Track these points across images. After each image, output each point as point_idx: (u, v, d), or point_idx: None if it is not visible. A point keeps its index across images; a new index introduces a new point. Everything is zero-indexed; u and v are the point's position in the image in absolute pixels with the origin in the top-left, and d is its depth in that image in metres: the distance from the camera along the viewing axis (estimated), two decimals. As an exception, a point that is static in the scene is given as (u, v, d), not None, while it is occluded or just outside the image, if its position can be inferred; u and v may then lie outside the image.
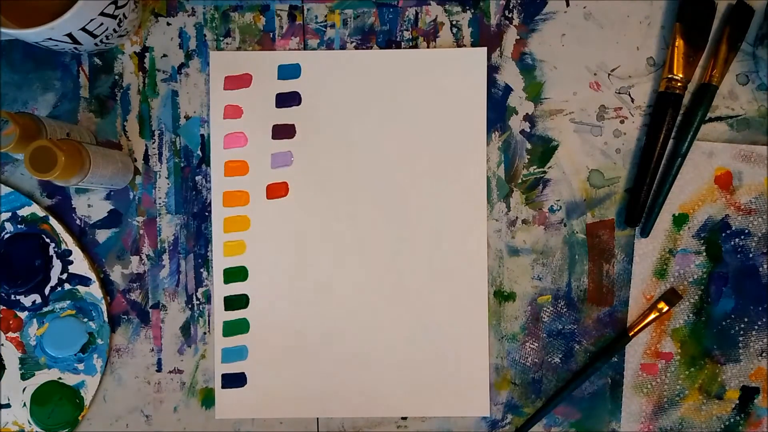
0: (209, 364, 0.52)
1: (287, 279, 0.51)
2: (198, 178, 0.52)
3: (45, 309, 0.51)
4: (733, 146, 0.51)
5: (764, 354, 0.51)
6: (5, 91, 0.52)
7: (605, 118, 0.52)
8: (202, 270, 0.52)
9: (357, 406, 0.51)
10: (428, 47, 0.52)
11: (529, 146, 0.52)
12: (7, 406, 0.51)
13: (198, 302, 0.52)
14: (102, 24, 0.46)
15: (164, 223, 0.52)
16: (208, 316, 0.52)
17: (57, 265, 0.51)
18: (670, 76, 0.50)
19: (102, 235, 0.52)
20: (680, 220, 0.51)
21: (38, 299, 0.51)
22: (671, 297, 0.51)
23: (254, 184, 0.51)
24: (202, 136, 0.52)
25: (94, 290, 0.51)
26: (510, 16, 0.52)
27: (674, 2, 0.51)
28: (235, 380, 0.51)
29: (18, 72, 0.52)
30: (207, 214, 0.52)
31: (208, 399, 0.52)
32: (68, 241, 0.51)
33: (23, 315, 0.51)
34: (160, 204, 0.52)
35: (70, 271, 0.51)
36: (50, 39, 0.45)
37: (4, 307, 0.51)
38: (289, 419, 0.52)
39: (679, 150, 0.50)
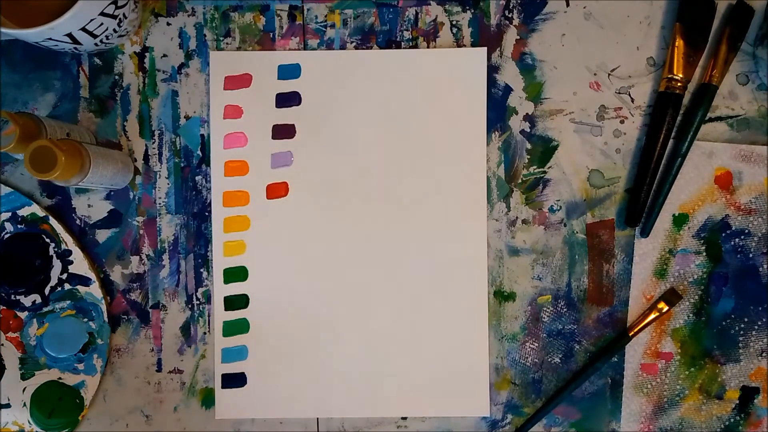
0: (209, 364, 0.52)
1: (287, 279, 0.51)
2: (198, 178, 0.52)
3: (45, 309, 0.51)
4: (733, 146, 0.51)
5: (764, 354, 0.51)
6: (5, 91, 0.52)
7: (605, 118, 0.52)
8: (202, 270, 0.52)
9: (357, 406, 0.51)
10: (428, 47, 0.52)
11: (529, 146, 0.52)
12: (7, 406, 0.51)
13: (198, 302, 0.52)
14: (102, 24, 0.46)
15: (164, 223, 0.52)
16: (208, 316, 0.52)
17: (57, 265, 0.51)
18: (670, 76, 0.50)
19: (102, 235, 0.52)
20: (680, 220, 0.51)
21: (38, 299, 0.51)
22: (671, 297, 0.51)
23: (254, 184, 0.51)
24: (202, 136, 0.52)
25: (94, 290, 0.51)
26: (510, 16, 0.52)
27: (674, 2, 0.51)
28: (235, 380, 0.51)
29: (18, 72, 0.52)
30: (207, 214, 0.52)
31: (208, 399, 0.52)
32: (68, 241, 0.51)
33: (23, 315, 0.51)
34: (160, 204, 0.52)
35: (70, 271, 0.51)
36: (50, 39, 0.45)
37: (4, 307, 0.51)
38: (289, 419, 0.52)
39: (679, 150, 0.50)
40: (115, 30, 0.48)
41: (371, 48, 0.52)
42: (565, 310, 0.52)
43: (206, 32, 0.52)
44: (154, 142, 0.52)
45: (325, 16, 0.52)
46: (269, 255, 0.51)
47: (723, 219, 0.51)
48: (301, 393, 0.51)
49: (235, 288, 0.52)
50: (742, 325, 0.51)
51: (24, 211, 0.51)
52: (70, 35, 0.45)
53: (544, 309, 0.52)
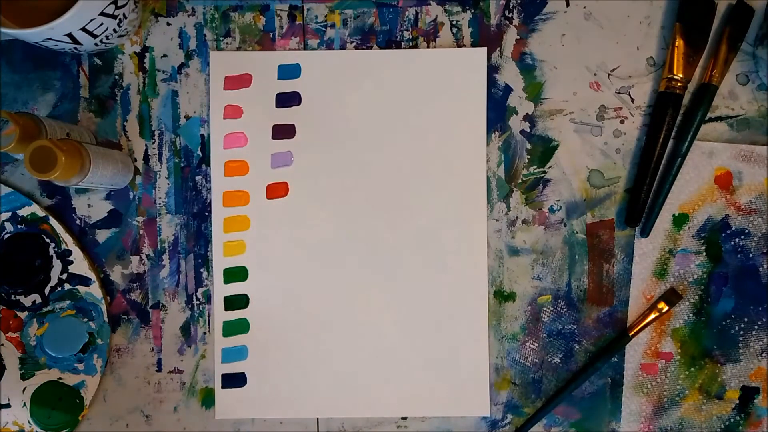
0: (209, 364, 0.52)
1: (287, 279, 0.51)
2: (198, 178, 0.52)
3: (45, 309, 0.51)
4: (733, 146, 0.51)
5: (764, 354, 0.51)
6: (5, 91, 0.52)
7: (605, 118, 0.52)
8: (202, 270, 0.52)
9: (357, 406, 0.51)
10: (428, 47, 0.52)
11: (529, 146, 0.52)
12: (7, 406, 0.51)
13: (198, 302, 0.52)
14: (102, 24, 0.46)
15: (164, 223, 0.52)
16: (208, 316, 0.52)
17: (57, 265, 0.51)
18: (670, 76, 0.50)
19: (102, 235, 0.52)
20: (680, 220, 0.51)
21: (38, 299, 0.51)
22: (671, 297, 0.51)
23: (254, 184, 0.51)
24: (202, 136, 0.52)
25: (94, 290, 0.51)
26: (510, 16, 0.52)
27: (674, 2, 0.51)
28: (235, 380, 0.51)
29: (18, 72, 0.52)
30: (207, 214, 0.52)
31: (208, 399, 0.52)
32: (68, 241, 0.51)
33: (23, 315, 0.51)
34: (160, 204, 0.52)
35: (70, 271, 0.51)
36: (50, 39, 0.45)
37: (4, 307, 0.51)
38: (289, 419, 0.52)
39: (679, 150, 0.50)
40: (115, 30, 0.48)
41: (371, 48, 0.52)
42: (565, 310, 0.52)
43: (206, 32, 0.52)
44: (154, 142, 0.52)
45: (325, 16, 0.52)
46: (269, 255, 0.51)
47: (723, 219, 0.51)
48: (301, 393, 0.51)
49: (235, 288, 0.52)
50: (742, 325, 0.51)
51: (24, 211, 0.51)
52: (70, 35, 0.45)
53: (544, 309, 0.52)
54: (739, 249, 0.51)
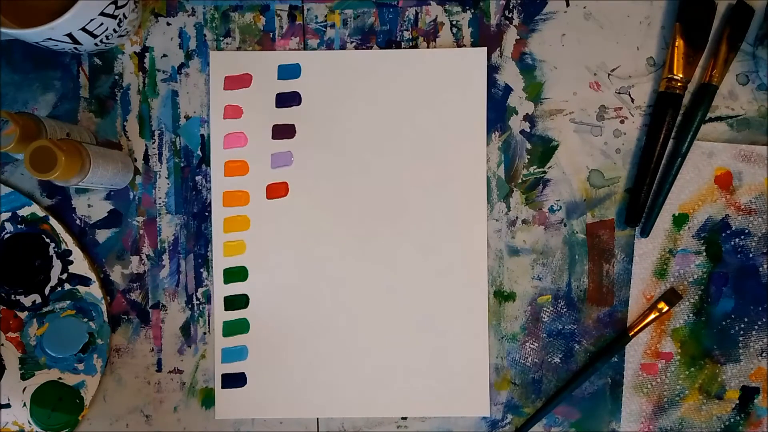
0: (209, 364, 0.52)
1: (287, 279, 0.51)
2: (198, 178, 0.52)
3: (45, 309, 0.51)
4: (733, 146, 0.51)
5: (764, 354, 0.51)
6: (5, 91, 0.52)
7: (605, 118, 0.52)
8: (202, 270, 0.52)
9: (357, 406, 0.51)
10: (428, 47, 0.52)
11: (529, 146, 0.52)
12: (7, 406, 0.51)
13: (198, 302, 0.52)
14: (102, 24, 0.46)
15: (164, 223, 0.52)
16: (208, 316, 0.52)
17: (57, 265, 0.51)
18: (670, 76, 0.50)
19: (102, 235, 0.52)
20: (680, 220, 0.51)
21: (38, 299, 0.51)
22: (671, 297, 0.51)
23: (254, 184, 0.51)
24: (202, 136, 0.52)
25: (94, 290, 0.51)
26: (510, 16, 0.52)
27: (674, 2, 0.51)
28: (235, 380, 0.51)
29: (18, 72, 0.52)
30: (207, 214, 0.52)
31: (208, 399, 0.52)
32: (68, 241, 0.51)
33: (23, 315, 0.51)
34: (160, 204, 0.52)
35: (70, 271, 0.51)
36: (50, 39, 0.45)
37: (4, 307, 0.51)
38: (289, 419, 0.52)
39: (679, 150, 0.50)
40: (115, 30, 0.48)
41: (371, 48, 0.52)
42: (565, 310, 0.52)
43: (206, 32, 0.52)
44: (154, 142, 0.52)
45: (325, 16, 0.52)
46: (269, 255, 0.51)
47: (723, 219, 0.51)
48: (301, 393, 0.51)
49: (235, 288, 0.52)
50: (742, 325, 0.51)
51: (24, 211, 0.51)
52: (70, 35, 0.45)
53: (544, 309, 0.52)
54: (739, 249, 0.51)
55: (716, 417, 0.51)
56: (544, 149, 0.52)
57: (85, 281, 0.51)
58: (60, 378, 0.51)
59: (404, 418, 0.52)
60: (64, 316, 0.51)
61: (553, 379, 0.52)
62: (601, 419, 0.52)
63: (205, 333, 0.52)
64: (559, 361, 0.52)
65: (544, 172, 0.52)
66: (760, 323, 0.51)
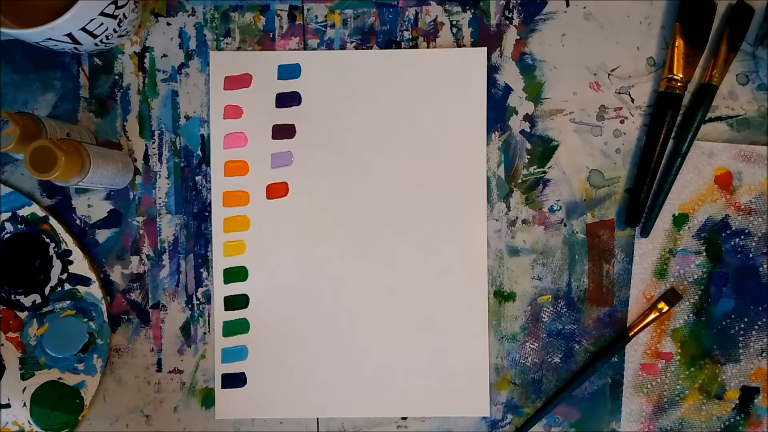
0: (209, 364, 0.52)
1: (287, 279, 0.51)
2: (198, 178, 0.52)
3: (45, 309, 0.51)
4: (733, 146, 0.51)
5: (764, 354, 0.51)
6: (5, 91, 0.52)
7: (605, 118, 0.52)
8: (202, 270, 0.52)
9: (357, 406, 0.51)
10: (428, 47, 0.52)
11: (529, 146, 0.52)
12: (7, 406, 0.51)
13: (198, 302, 0.52)
14: (102, 24, 0.46)
15: (164, 223, 0.52)
16: (208, 316, 0.52)
17: (57, 265, 0.51)
18: (670, 76, 0.50)
19: (102, 235, 0.52)
20: (680, 220, 0.51)
21: (38, 299, 0.51)
22: (671, 297, 0.51)
23: (254, 184, 0.51)
24: (202, 136, 0.52)
25: (94, 290, 0.51)
26: (510, 16, 0.52)
27: (674, 2, 0.51)
28: (235, 380, 0.51)
29: (18, 72, 0.52)
30: (207, 214, 0.52)
31: (208, 399, 0.52)
32: (68, 241, 0.51)
33: (23, 315, 0.51)
34: (160, 204, 0.52)
35: (70, 271, 0.51)
36: (50, 39, 0.45)
37: (4, 307, 0.51)
38: (289, 419, 0.52)
39: (679, 150, 0.50)
40: (115, 30, 0.48)
41: (371, 48, 0.52)
42: (565, 310, 0.52)
43: (206, 32, 0.52)
44: (154, 142, 0.52)
45: (325, 16, 0.52)
46: (269, 255, 0.51)
47: (723, 219, 0.51)
48: (301, 393, 0.51)
49: (235, 288, 0.52)
50: (742, 325, 0.51)
51: (24, 211, 0.51)
52: (70, 35, 0.45)
53: (544, 309, 0.52)
54: (739, 249, 0.51)
55: (716, 417, 0.51)
56: (544, 149, 0.52)
57: (85, 281, 0.51)
58: (60, 378, 0.51)
59: (404, 418, 0.52)
60: (64, 316, 0.51)
61: (553, 379, 0.52)
62: (601, 419, 0.52)
63: (205, 333, 0.52)
64: (559, 361, 0.52)
65: (544, 172, 0.52)
66: (760, 323, 0.51)
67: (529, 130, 0.52)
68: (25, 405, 0.51)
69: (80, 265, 0.51)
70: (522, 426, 0.51)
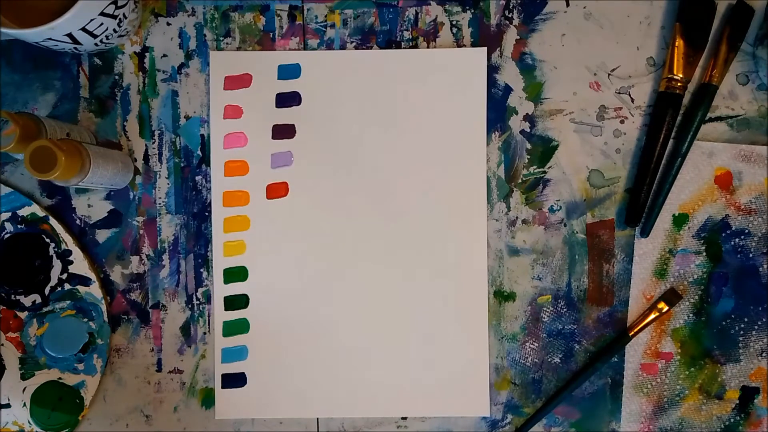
0: (209, 364, 0.52)
1: (287, 279, 0.51)
2: (198, 178, 0.52)
3: (45, 309, 0.51)
4: (733, 146, 0.51)
5: (764, 354, 0.51)
6: (5, 91, 0.52)
7: (605, 118, 0.52)
8: (202, 270, 0.52)
9: (357, 406, 0.51)
10: (428, 47, 0.52)
11: (529, 146, 0.52)
12: (7, 406, 0.51)
13: (198, 302, 0.52)
14: (102, 24, 0.46)
15: (164, 223, 0.52)
16: (208, 316, 0.52)
17: (57, 265, 0.51)
18: (670, 76, 0.50)
19: (102, 235, 0.52)
20: (680, 220, 0.51)
21: (38, 299, 0.51)
22: (671, 297, 0.51)
23: (254, 184, 0.51)
24: (202, 136, 0.52)
25: (94, 290, 0.51)
26: (510, 16, 0.52)
27: (674, 2, 0.51)
28: (235, 380, 0.51)
29: (18, 72, 0.52)
30: (207, 214, 0.52)
31: (208, 399, 0.52)
32: (68, 241, 0.51)
33: (23, 315, 0.51)
34: (160, 204, 0.52)
35: (70, 271, 0.51)
36: (50, 39, 0.45)
37: (4, 307, 0.51)
38: (289, 419, 0.52)
39: (679, 150, 0.50)
40: (115, 30, 0.48)
41: (371, 48, 0.52)
42: (565, 310, 0.52)
43: (206, 32, 0.52)
44: (154, 142, 0.52)
45: (325, 16, 0.52)
46: (269, 255, 0.51)
47: (723, 219, 0.51)
48: (301, 393, 0.51)
49: (235, 288, 0.52)
50: (742, 325, 0.51)
51: (24, 211, 0.51)
52: (70, 35, 0.45)
53: (544, 309, 0.52)
54: (739, 249, 0.51)
55: (716, 417, 0.51)
56: (544, 149, 0.52)
57: (85, 281, 0.51)
58: (60, 378, 0.51)
59: (404, 418, 0.52)
60: (64, 316, 0.51)
61: (553, 379, 0.52)
62: (601, 419, 0.52)
63: (205, 333, 0.52)
64: (559, 361, 0.52)
65: (544, 172, 0.52)
66: (760, 323, 0.51)
67: (529, 130, 0.52)
68: (25, 405, 0.51)
69: (80, 265, 0.51)
70: (522, 426, 0.51)
